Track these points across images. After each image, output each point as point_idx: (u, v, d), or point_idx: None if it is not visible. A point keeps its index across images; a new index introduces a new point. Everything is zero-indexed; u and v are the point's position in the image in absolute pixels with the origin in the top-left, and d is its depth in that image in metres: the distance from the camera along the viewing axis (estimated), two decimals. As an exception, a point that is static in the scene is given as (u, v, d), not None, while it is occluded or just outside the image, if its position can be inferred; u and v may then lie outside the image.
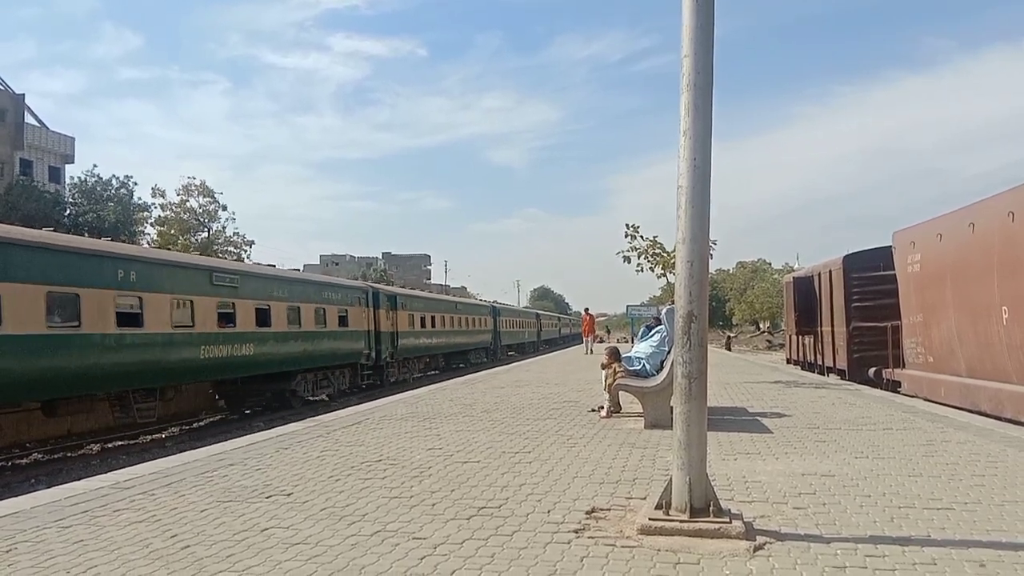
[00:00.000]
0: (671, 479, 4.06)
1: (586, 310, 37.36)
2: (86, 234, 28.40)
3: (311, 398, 20.13)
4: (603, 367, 9.45)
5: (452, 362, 36.15)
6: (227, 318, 16.28)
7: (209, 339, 15.44)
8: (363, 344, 23.59)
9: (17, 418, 12.32)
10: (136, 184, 47.27)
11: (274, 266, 22.87)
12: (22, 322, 11.00)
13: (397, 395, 13.35)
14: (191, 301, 14.95)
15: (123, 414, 14.03)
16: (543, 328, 67.37)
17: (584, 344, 33.13)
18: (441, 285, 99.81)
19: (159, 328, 13.94)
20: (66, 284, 11.92)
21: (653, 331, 9.56)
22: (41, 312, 11.40)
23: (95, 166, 50.66)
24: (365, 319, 23.88)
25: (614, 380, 8.88)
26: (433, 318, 32.26)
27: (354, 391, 22.79)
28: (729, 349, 48.23)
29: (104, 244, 14.98)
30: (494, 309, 47.95)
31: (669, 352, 8.39)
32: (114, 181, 46.30)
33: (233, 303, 16.48)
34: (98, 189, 45.32)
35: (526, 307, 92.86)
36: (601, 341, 42.63)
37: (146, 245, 40.20)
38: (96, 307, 12.41)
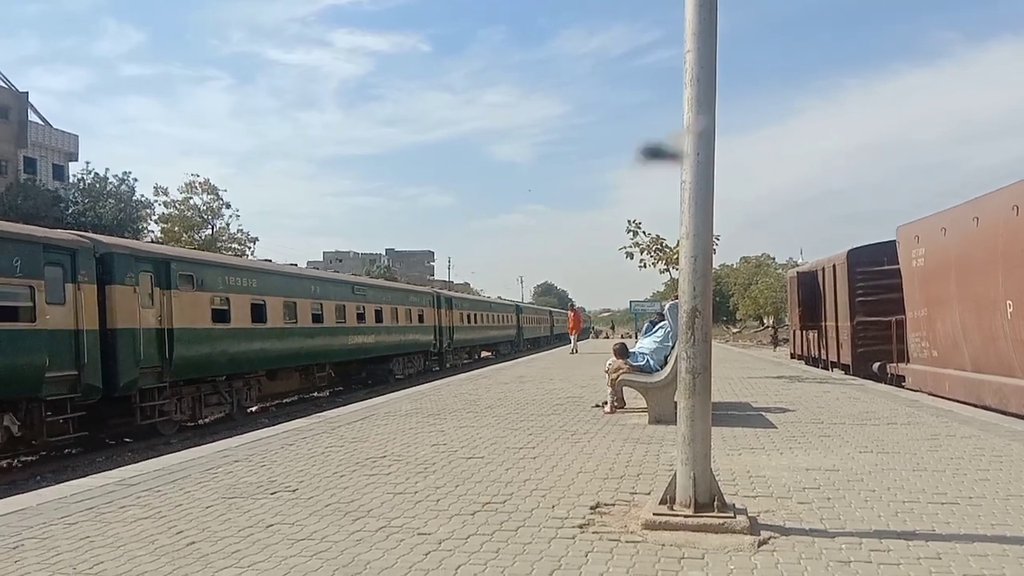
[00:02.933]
0: (675, 474, 4.06)
1: (571, 305, 34.34)
2: (90, 231, 28.69)
3: (399, 376, 26.10)
4: (607, 371, 9.37)
5: (486, 351, 43.05)
6: (361, 317, 23.27)
7: (354, 331, 22.60)
8: (432, 336, 30.84)
9: (257, 380, 17.64)
10: (136, 180, 46.99)
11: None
12: (276, 320, 17.78)
13: (402, 391, 13.38)
14: (344, 306, 21.79)
15: (305, 381, 20.39)
16: (555, 323, 71.95)
17: (571, 343, 29.02)
18: (444, 281, 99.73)
19: (330, 323, 20.80)
20: (291, 295, 18.70)
21: (657, 327, 9.54)
22: (281, 313, 18.03)
23: (88, 163, 50.27)
24: (433, 317, 31.21)
25: (618, 376, 8.87)
26: (476, 316, 39.57)
27: (423, 372, 28.84)
28: (778, 344, 40.20)
29: (305, 270, 25.81)
30: (518, 308, 54.07)
31: (673, 347, 8.38)
32: (112, 178, 46.04)
33: (364, 306, 23.67)
34: (97, 186, 45.08)
35: (530, 303, 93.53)
36: (607, 337, 42.37)
37: (150, 241, 40.27)
38: (303, 310, 19.18)
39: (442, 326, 32.07)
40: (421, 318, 29.41)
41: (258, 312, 16.99)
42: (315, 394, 21.49)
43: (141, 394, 13.15)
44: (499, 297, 62.42)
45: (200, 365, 14.82)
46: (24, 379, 10.81)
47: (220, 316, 15.52)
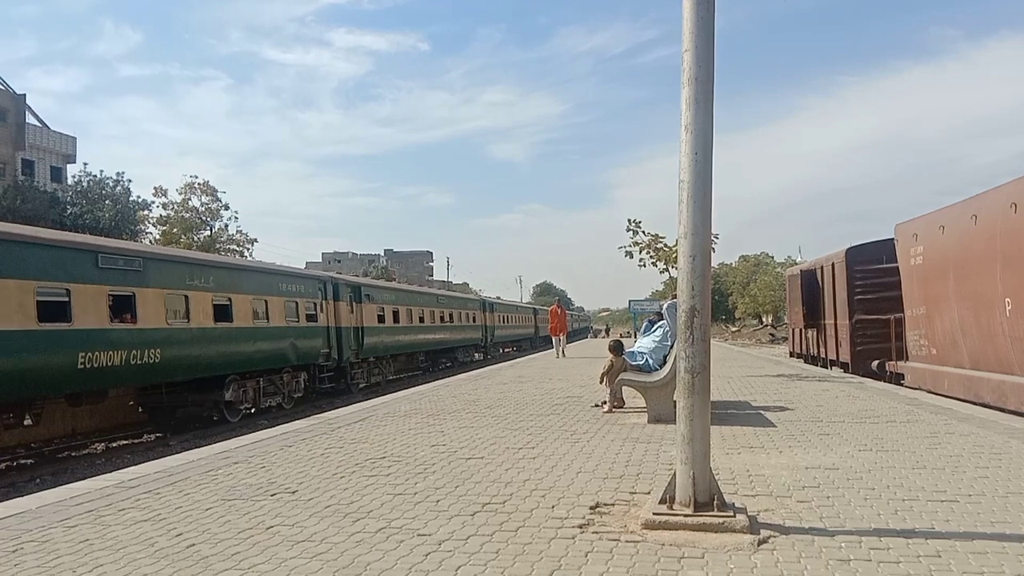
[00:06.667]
0: (675, 473, 4.06)
1: (557, 301, 29.16)
2: (87, 233, 28.74)
3: (460, 362, 35.41)
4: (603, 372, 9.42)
5: (508, 347, 51.30)
6: (442, 319, 33.14)
7: (438, 329, 32.46)
8: (480, 334, 40.65)
9: (392, 360, 26.86)
10: (131, 181, 46.58)
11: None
12: (404, 321, 27.33)
13: (401, 392, 13.37)
14: (434, 311, 31.83)
15: (409, 364, 29.51)
16: None
17: (555, 346, 24.44)
18: (443, 281, 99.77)
19: (428, 323, 30.76)
20: (410, 304, 28.52)
21: (656, 326, 9.55)
22: (407, 316, 27.64)
23: (85, 164, 49.76)
24: (481, 318, 41.25)
25: (608, 371, 8.94)
26: (508, 317, 49.71)
27: (473, 361, 37.97)
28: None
29: (415, 287, 39.06)
30: (534, 310, 64.26)
31: (672, 347, 8.38)
32: (108, 180, 45.75)
33: (443, 311, 33.54)
34: (94, 189, 44.83)
35: (528, 302, 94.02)
36: (606, 336, 42.64)
37: (148, 243, 40.18)
38: (416, 315, 29.01)
39: (487, 325, 42.01)
40: (474, 319, 39.54)
41: (396, 316, 26.44)
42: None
43: (349, 366, 22.02)
44: (498, 297, 63.04)
45: (373, 350, 23.90)
46: (314, 353, 19.55)
47: (380, 319, 24.78)
